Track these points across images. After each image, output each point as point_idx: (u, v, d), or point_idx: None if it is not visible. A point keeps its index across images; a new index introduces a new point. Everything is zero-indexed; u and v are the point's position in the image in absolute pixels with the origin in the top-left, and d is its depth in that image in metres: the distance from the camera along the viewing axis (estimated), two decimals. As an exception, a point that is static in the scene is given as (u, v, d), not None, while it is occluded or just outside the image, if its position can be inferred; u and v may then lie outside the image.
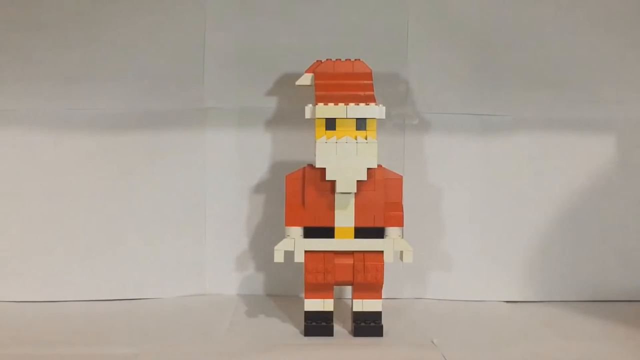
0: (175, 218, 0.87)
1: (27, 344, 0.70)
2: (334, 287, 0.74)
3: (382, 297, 0.74)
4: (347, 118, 0.71)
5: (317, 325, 0.73)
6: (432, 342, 0.71)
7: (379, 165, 0.73)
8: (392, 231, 0.72)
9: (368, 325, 0.73)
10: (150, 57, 0.85)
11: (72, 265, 0.85)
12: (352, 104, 0.71)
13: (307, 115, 0.72)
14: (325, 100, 0.72)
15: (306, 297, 0.74)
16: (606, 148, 0.87)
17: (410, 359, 0.68)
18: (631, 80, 0.87)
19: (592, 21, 0.86)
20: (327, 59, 0.76)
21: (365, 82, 0.75)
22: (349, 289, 0.78)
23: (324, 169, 0.71)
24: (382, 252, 0.72)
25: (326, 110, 0.71)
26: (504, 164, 0.87)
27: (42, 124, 0.85)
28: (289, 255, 0.72)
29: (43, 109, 0.85)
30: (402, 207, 0.73)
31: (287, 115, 0.86)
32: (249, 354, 0.67)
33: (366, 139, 0.71)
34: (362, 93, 0.73)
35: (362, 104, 0.72)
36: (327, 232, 0.72)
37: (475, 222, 0.87)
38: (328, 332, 0.73)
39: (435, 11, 0.86)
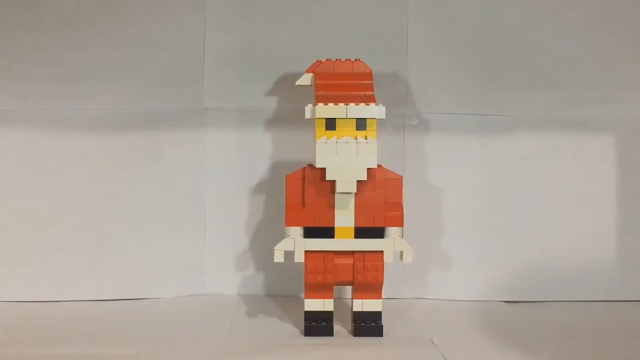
0: (175, 218, 0.87)
1: (27, 344, 0.70)
2: (334, 287, 0.74)
3: (382, 297, 0.74)
4: (347, 118, 0.71)
5: (317, 325, 0.73)
6: (432, 342, 0.71)
7: (379, 165, 0.73)
8: (392, 231, 0.72)
9: (368, 325, 0.73)
10: (150, 57, 0.85)
11: (72, 265, 0.85)
12: (352, 104, 0.71)
13: (307, 115, 0.72)
14: (325, 100, 0.72)
15: (306, 297, 0.74)
16: (606, 148, 0.88)
17: (410, 359, 0.68)
18: (631, 80, 0.87)
19: (592, 21, 0.86)
20: (327, 59, 0.76)
21: (365, 82, 0.75)
22: (349, 289, 0.78)
23: (324, 169, 0.71)
24: (382, 252, 0.72)
25: (326, 110, 0.71)
26: (504, 164, 0.87)
27: (42, 124, 0.85)
28: (289, 255, 0.72)
29: (43, 109, 0.85)
30: (402, 207, 0.73)
31: (287, 115, 0.86)
32: (249, 354, 0.67)
33: (366, 139, 0.71)
34: (362, 93, 0.73)
35: (362, 104, 0.72)
36: (327, 232, 0.72)
37: (475, 222, 0.87)
38: (328, 332, 0.73)
39: (435, 11, 0.86)
